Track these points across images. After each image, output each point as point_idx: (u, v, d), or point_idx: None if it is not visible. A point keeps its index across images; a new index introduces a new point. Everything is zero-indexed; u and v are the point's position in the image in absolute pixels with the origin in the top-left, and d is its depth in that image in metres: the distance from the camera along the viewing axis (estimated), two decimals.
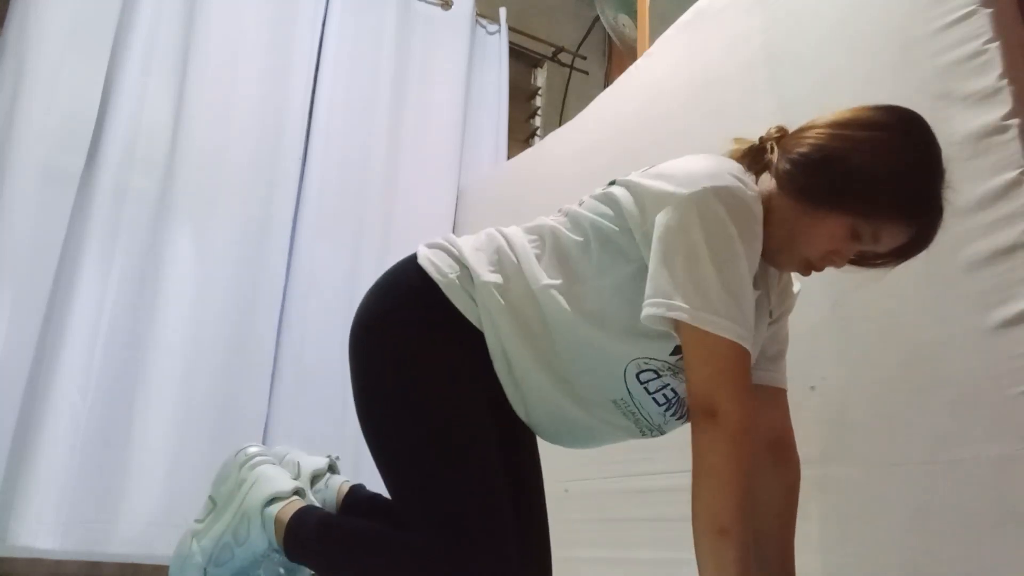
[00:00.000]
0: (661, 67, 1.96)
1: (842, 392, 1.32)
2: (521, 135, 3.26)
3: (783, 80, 1.56)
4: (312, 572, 1.17)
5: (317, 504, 1.20)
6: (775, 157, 1.02)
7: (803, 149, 1.00)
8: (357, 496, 1.25)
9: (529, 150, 2.68)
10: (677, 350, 0.97)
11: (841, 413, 1.31)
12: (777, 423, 1.15)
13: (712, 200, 0.92)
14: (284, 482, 1.17)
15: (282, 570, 1.15)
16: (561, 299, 1.00)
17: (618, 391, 1.02)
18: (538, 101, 3.37)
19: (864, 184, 0.96)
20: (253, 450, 1.23)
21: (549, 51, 3.38)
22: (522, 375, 1.03)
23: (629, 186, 1.02)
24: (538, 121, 3.32)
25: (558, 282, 1.01)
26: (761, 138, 1.07)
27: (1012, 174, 1.13)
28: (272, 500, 1.13)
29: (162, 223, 2.26)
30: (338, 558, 1.07)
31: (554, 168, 2.33)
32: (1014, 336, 1.09)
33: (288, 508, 1.12)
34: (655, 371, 0.99)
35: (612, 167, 1.96)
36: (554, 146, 2.42)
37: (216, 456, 1.29)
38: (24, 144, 2.11)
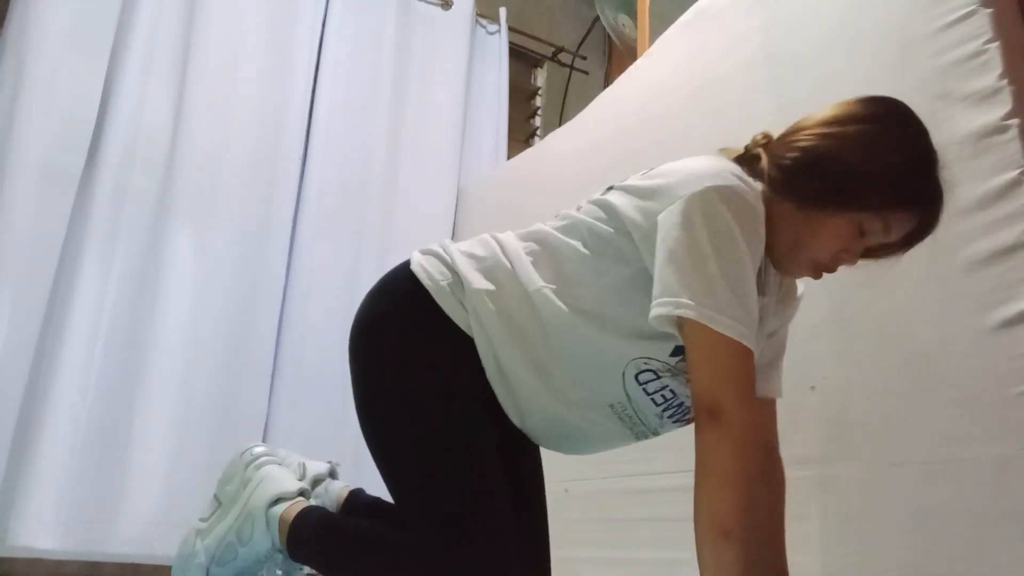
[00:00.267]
0: (661, 67, 1.96)
1: (842, 392, 1.32)
2: (521, 135, 3.26)
3: (783, 80, 1.56)
4: (311, 572, 1.17)
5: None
6: (765, 164, 1.01)
7: (794, 154, 0.99)
8: (357, 501, 1.25)
9: (529, 150, 2.68)
10: (677, 351, 0.96)
11: (841, 413, 1.31)
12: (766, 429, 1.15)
13: (715, 199, 0.92)
14: (289, 482, 1.17)
15: (280, 572, 1.15)
16: (557, 300, 1.00)
17: (615, 394, 1.01)
18: (538, 101, 3.37)
19: (864, 180, 0.96)
20: (259, 450, 1.23)
21: (549, 51, 3.38)
22: (514, 380, 1.03)
23: (628, 190, 1.02)
24: (538, 121, 3.32)
25: (554, 285, 1.01)
26: (747, 147, 1.07)
27: (1012, 174, 1.13)
28: (277, 500, 1.13)
29: (162, 223, 2.26)
30: (338, 558, 1.07)
31: (554, 168, 2.33)
32: (1014, 336, 1.09)
33: (292, 508, 1.12)
34: (654, 371, 0.99)
35: (612, 167, 1.97)
36: (554, 146, 2.42)
37: (216, 456, 1.29)
38: (24, 144, 2.11)
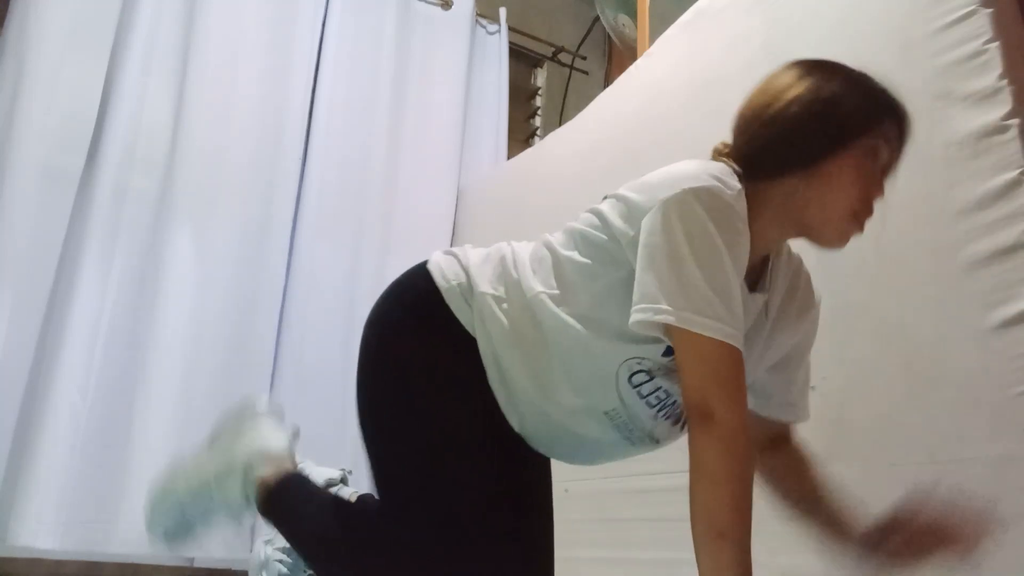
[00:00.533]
0: (661, 67, 1.96)
1: (842, 392, 1.32)
2: (521, 135, 3.26)
3: None
4: (311, 573, 1.17)
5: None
6: (735, 167, 1.02)
7: (766, 132, 1.01)
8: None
9: (529, 150, 2.68)
10: (669, 351, 0.97)
11: (841, 413, 1.31)
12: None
13: (691, 201, 0.92)
14: (278, 440, 1.20)
15: (285, 570, 1.16)
16: (552, 304, 1.01)
17: (610, 400, 1.02)
18: (538, 101, 3.37)
19: (848, 111, 0.98)
20: (262, 407, 1.26)
21: (549, 51, 3.38)
22: (513, 384, 1.03)
23: (618, 198, 1.03)
24: (538, 121, 3.32)
25: (551, 291, 1.03)
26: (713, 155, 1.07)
27: (1012, 174, 1.13)
28: (260, 458, 1.17)
29: (162, 223, 2.26)
30: (339, 558, 1.07)
31: (554, 168, 2.33)
32: (1014, 336, 1.09)
33: (276, 469, 1.16)
34: (648, 372, 0.99)
35: (612, 167, 1.97)
36: (554, 146, 2.42)
37: None
38: (24, 144, 2.12)
